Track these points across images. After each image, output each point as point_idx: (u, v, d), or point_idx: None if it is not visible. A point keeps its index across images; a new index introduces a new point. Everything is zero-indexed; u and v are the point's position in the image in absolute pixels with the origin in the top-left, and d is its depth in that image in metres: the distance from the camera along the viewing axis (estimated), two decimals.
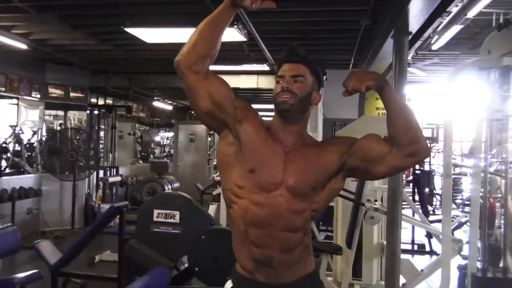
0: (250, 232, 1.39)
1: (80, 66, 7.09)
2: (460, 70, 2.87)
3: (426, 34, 3.92)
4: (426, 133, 8.46)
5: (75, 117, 8.92)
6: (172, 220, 2.59)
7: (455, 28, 4.34)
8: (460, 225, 5.15)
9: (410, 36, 3.11)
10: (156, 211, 2.61)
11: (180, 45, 1.45)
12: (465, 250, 3.14)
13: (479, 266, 2.76)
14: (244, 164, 1.41)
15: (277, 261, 1.39)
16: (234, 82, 7.12)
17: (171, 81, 7.91)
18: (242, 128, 1.43)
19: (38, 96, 6.73)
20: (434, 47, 5.09)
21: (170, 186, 8.04)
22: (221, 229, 2.55)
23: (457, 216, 6.67)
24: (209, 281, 2.45)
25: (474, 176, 2.90)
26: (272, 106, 1.50)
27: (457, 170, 8.68)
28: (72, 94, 7.21)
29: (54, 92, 6.98)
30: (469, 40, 5.20)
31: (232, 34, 4.03)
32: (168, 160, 9.34)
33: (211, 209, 6.26)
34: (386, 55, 4.34)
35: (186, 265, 2.58)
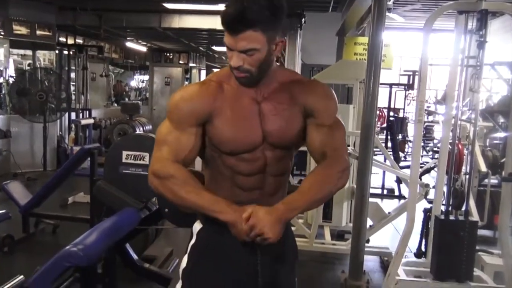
0: (237, 178, 1.36)
1: (46, 2, 6.69)
2: (438, 13, 2.80)
3: None
4: (403, 80, 8.47)
5: (46, 57, 8.55)
6: (141, 162, 2.56)
7: None
8: (428, 170, 5.30)
9: None
10: (125, 153, 2.57)
11: None
12: (432, 195, 3.23)
13: (443, 209, 2.84)
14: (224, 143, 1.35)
15: (260, 203, 1.34)
16: (210, 23, 6.82)
17: (145, 21, 7.56)
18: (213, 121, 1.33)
19: (2, 33, 6.38)
20: None
21: (141, 128, 7.89)
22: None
23: (427, 162, 6.86)
24: (178, 222, 2.46)
25: (445, 123, 2.92)
26: None
27: (430, 118, 8.82)
28: (38, 32, 6.84)
29: (19, 29, 6.60)
30: None
31: None
32: (139, 102, 9.08)
33: None
34: None
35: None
